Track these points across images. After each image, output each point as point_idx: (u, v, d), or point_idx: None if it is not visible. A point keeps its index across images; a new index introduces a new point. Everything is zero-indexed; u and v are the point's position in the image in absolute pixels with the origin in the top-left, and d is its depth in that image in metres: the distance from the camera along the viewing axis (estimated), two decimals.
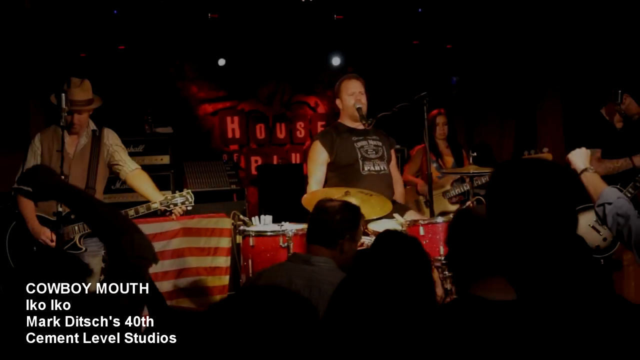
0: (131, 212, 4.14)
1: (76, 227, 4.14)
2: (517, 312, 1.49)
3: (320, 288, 2.65)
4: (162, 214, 4.28)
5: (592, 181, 2.71)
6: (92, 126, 4.34)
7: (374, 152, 4.44)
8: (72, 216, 4.17)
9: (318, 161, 4.40)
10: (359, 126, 4.49)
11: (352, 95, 4.45)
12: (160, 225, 4.46)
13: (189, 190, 4.20)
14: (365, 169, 4.38)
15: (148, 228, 4.52)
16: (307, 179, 4.46)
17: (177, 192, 4.19)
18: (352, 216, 3.00)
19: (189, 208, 4.17)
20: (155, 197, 4.20)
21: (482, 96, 7.62)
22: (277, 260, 3.71)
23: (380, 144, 4.50)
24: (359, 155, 4.39)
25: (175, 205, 4.12)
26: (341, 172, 4.36)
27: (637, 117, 4.87)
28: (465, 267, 1.85)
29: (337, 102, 4.55)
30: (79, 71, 4.64)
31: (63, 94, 3.97)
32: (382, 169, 4.43)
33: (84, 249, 4.18)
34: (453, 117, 6.65)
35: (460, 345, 1.49)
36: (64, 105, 3.97)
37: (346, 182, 4.21)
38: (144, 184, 4.32)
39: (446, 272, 4.00)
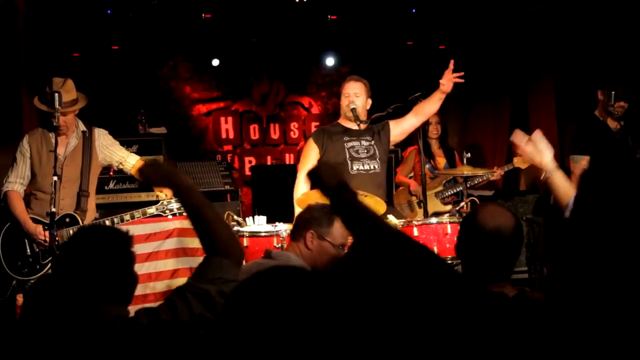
0: (127, 216, 4.13)
1: (71, 231, 4.12)
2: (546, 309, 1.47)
3: None
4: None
5: (564, 184, 2.54)
6: (82, 127, 4.29)
7: (365, 152, 4.46)
8: (67, 219, 4.16)
9: (309, 157, 4.46)
10: (355, 126, 4.50)
11: (347, 97, 4.49)
12: (157, 225, 4.45)
13: None
14: (354, 168, 4.40)
15: (143, 228, 4.51)
16: (297, 173, 4.50)
17: (173, 197, 4.18)
18: (321, 214, 3.02)
19: (185, 213, 4.17)
20: None
21: (476, 97, 7.64)
22: None
23: (372, 143, 4.52)
24: (347, 155, 4.41)
25: (171, 210, 4.11)
26: None
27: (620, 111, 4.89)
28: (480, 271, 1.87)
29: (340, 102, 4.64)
30: (73, 71, 4.64)
31: (56, 94, 3.95)
32: (372, 167, 4.45)
33: None
34: (446, 119, 6.67)
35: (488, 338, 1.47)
36: (57, 105, 3.95)
37: None
38: None
39: None
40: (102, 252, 1.91)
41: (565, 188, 2.54)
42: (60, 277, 1.90)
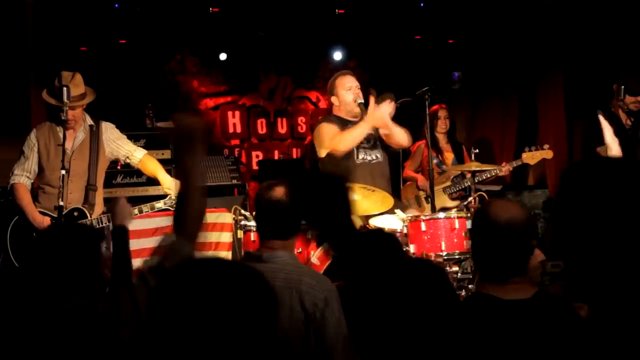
0: (135, 210, 4.15)
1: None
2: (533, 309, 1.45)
3: (274, 285, 2.48)
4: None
5: None
6: (89, 121, 4.31)
7: (366, 141, 4.49)
8: (75, 213, 4.17)
9: (332, 129, 4.40)
10: (355, 118, 4.51)
11: (350, 90, 4.47)
12: (165, 220, 4.47)
13: None
14: (360, 157, 4.43)
15: (150, 222, 4.54)
16: (322, 143, 4.42)
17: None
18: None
19: None
20: (167, 181, 4.31)
21: (484, 92, 7.61)
22: None
23: (372, 131, 4.52)
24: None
25: None
26: (337, 160, 4.38)
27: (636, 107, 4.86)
28: (489, 267, 1.87)
29: (333, 99, 4.56)
30: (80, 65, 4.64)
31: (65, 88, 3.96)
32: (375, 157, 4.49)
33: None
34: (454, 114, 6.65)
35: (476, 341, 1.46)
36: (65, 99, 3.96)
37: (341, 170, 4.22)
38: (155, 169, 4.42)
39: (447, 268, 4.01)
40: (68, 251, 1.92)
41: None
42: (26, 273, 1.93)
